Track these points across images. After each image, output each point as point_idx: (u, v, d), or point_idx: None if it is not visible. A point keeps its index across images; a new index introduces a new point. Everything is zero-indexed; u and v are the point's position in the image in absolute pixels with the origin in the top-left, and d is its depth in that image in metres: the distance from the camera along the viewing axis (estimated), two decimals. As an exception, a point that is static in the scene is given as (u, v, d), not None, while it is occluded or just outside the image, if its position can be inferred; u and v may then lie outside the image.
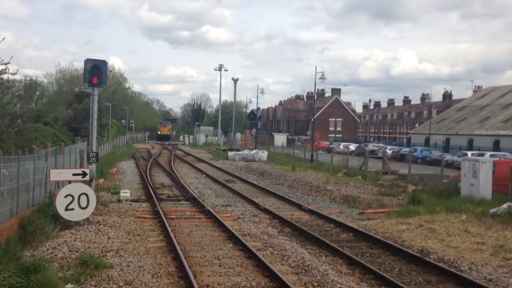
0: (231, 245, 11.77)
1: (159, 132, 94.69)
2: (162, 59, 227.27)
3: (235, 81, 78.49)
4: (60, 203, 12.38)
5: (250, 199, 19.53)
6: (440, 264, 10.26)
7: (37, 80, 64.87)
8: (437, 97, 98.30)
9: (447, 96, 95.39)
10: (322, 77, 42.32)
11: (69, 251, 10.11)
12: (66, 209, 12.41)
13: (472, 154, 36.99)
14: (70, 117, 44.97)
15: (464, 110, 67.54)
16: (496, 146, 49.00)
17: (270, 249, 11.37)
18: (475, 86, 78.60)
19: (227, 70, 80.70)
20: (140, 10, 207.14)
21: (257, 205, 18.02)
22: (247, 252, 10.90)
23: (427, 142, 62.17)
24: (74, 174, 13.79)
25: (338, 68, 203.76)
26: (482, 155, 35.46)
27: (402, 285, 8.88)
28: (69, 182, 13.76)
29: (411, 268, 10.31)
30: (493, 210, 15.01)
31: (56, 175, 13.65)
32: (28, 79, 55.81)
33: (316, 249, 11.77)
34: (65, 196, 12.43)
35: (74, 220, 12.59)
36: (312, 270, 9.51)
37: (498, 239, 12.11)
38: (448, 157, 42.18)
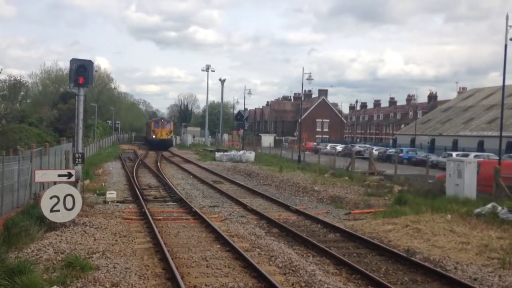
0: (218, 246, 11.75)
1: (153, 136, 61.74)
2: (149, 60, 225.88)
3: (222, 81, 78.49)
4: (45, 205, 12.24)
5: (237, 200, 19.51)
6: (426, 264, 10.36)
7: (22, 80, 64.18)
8: (422, 98, 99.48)
9: (432, 97, 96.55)
10: (309, 78, 42.44)
11: (55, 252, 10.00)
12: (52, 211, 12.27)
13: (457, 155, 37.44)
14: (55, 117, 44.60)
15: (449, 111, 68.30)
16: (481, 147, 49.61)
17: (258, 249, 11.37)
18: (459, 88, 79.83)
19: (214, 71, 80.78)
20: (128, 10, 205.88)
21: (244, 206, 18.01)
22: (234, 253, 10.89)
23: (412, 143, 62.73)
24: (59, 175, 13.66)
25: (325, 69, 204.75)
26: (466, 155, 35.90)
27: (388, 284, 8.94)
28: (55, 183, 13.62)
29: (397, 268, 10.40)
30: (478, 210, 15.19)
31: (41, 176, 13.50)
32: (12, 79, 55.12)
33: (303, 249, 11.80)
34: (51, 198, 12.29)
35: (59, 221, 12.45)
36: (300, 270, 9.54)
37: (482, 239, 12.25)
38: (433, 157, 42.60)
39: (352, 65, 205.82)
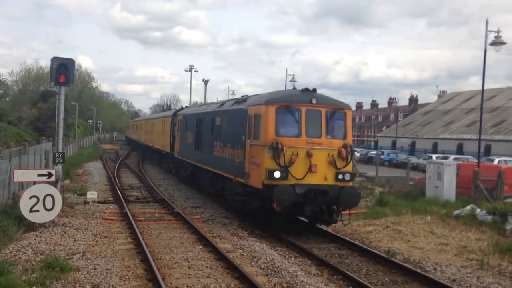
0: (200, 247, 11.71)
1: (278, 160, 12.45)
2: (132, 59, 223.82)
3: (206, 82, 78.06)
4: (24, 205, 12.04)
5: (220, 200, 19.42)
6: (406, 265, 10.49)
7: (1, 79, 63.12)
8: (404, 101, 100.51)
9: (413, 100, 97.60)
10: (293, 80, 42.65)
11: (34, 253, 9.85)
12: (31, 211, 12.08)
13: (437, 157, 37.97)
14: (35, 116, 43.96)
15: (429, 114, 69.25)
16: (460, 150, 50.45)
17: (240, 250, 11.36)
18: (440, 91, 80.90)
19: (197, 71, 79.92)
20: (112, 10, 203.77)
21: (227, 207, 17.94)
22: (216, 254, 10.87)
23: (393, 145, 63.47)
24: (39, 175, 13.46)
25: (309, 71, 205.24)
26: (446, 158, 36.43)
27: (369, 285, 9.03)
28: (34, 183, 13.42)
29: (378, 269, 10.50)
30: (457, 211, 15.44)
31: (20, 175, 13.28)
32: (-9, 76, 54.13)
33: (285, 250, 11.84)
34: (30, 198, 12.10)
35: (39, 222, 12.26)
36: (282, 271, 9.57)
37: (461, 240, 12.46)
38: (413, 160, 43.17)
39: (336, 67, 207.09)
